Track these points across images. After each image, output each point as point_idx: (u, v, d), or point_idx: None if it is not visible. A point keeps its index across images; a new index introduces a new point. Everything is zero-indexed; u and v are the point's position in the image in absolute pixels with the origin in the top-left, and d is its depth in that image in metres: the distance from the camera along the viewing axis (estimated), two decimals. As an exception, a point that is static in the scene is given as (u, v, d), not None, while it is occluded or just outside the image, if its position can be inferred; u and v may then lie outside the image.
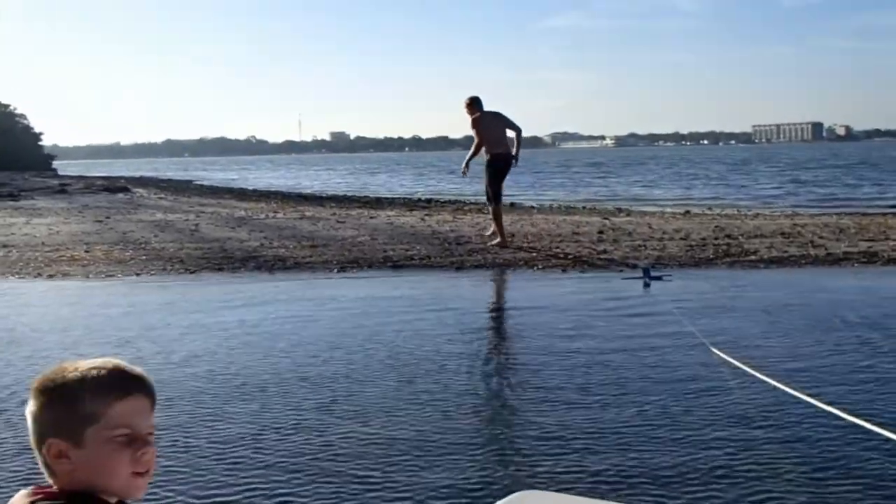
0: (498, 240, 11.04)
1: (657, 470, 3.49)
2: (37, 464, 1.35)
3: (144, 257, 10.42)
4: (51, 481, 1.35)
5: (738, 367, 4.91)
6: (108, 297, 8.12)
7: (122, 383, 1.35)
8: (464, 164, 11.74)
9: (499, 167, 11.19)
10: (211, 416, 4.31)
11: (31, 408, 1.36)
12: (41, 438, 1.34)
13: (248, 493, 3.32)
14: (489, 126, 11.30)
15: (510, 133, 11.38)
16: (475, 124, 11.30)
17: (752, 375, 4.73)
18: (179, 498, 3.27)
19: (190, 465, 3.60)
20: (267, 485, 3.40)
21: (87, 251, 10.91)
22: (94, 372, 1.34)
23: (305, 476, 3.49)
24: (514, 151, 11.30)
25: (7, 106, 55.14)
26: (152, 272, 9.58)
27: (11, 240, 12.04)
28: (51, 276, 9.43)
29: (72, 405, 1.32)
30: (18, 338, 6.31)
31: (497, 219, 11.16)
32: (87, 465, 1.31)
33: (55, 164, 56.55)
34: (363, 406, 4.48)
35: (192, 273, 9.54)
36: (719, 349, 5.35)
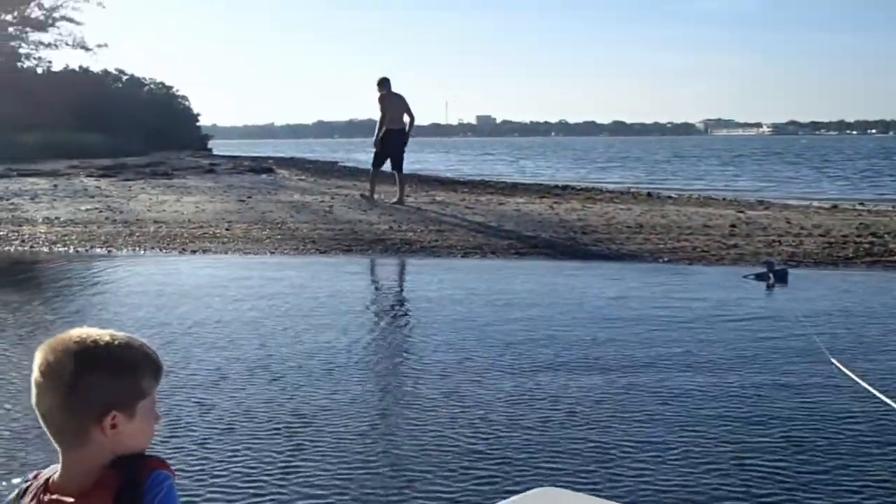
0: (396, 199, 13.88)
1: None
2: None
3: (280, 237, 10.92)
4: (67, 451, 1.38)
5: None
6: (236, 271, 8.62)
7: (160, 365, 1.46)
8: (375, 138, 13.91)
9: (391, 141, 13.60)
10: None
11: (82, 376, 1.35)
12: (101, 409, 1.36)
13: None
14: (392, 105, 13.57)
15: (406, 118, 13.68)
16: (381, 102, 13.58)
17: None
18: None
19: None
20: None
21: (227, 229, 11.54)
22: (147, 351, 1.44)
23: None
24: (408, 130, 13.75)
25: (170, 88, 58.59)
26: (285, 251, 10.06)
27: (162, 216, 12.86)
28: (193, 252, 10.08)
29: (134, 381, 1.41)
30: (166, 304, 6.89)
31: (402, 183, 14.00)
32: (131, 434, 1.40)
33: (211, 143, 59.32)
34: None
35: (322, 253, 9.94)
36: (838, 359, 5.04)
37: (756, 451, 3.75)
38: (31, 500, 1.39)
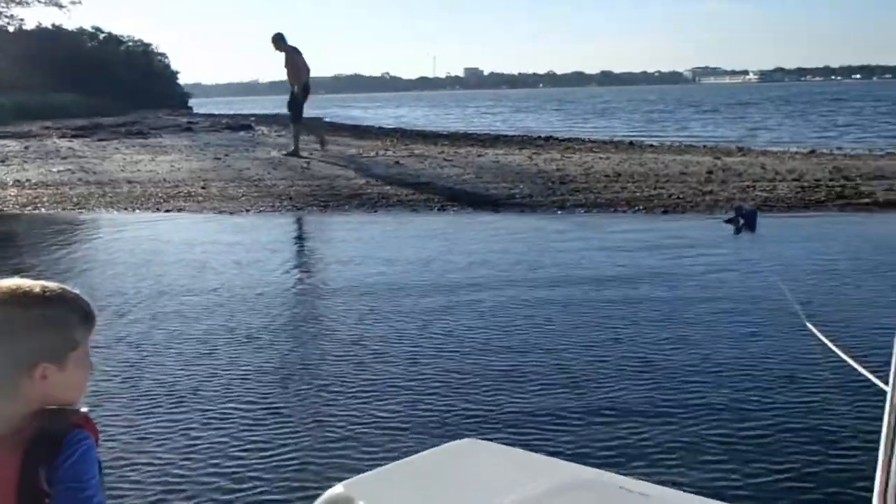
0: (292, 149, 14.15)
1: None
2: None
3: (256, 194, 10.83)
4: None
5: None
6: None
7: (92, 314, 1.45)
8: (295, 92, 14.06)
9: (307, 93, 14.07)
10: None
11: (12, 327, 1.34)
12: (31, 360, 1.35)
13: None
14: (300, 59, 13.93)
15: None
16: (293, 56, 13.86)
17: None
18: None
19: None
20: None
21: (203, 188, 11.44)
22: (80, 301, 1.43)
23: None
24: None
25: (148, 45, 57.35)
26: (261, 209, 9.98)
27: (136, 176, 12.73)
28: (167, 211, 10.00)
29: (66, 331, 1.39)
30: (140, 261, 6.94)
31: (297, 135, 14.40)
32: (62, 385, 1.38)
33: (192, 101, 58.11)
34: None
35: (298, 210, 9.88)
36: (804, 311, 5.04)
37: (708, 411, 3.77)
38: None
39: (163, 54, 59.02)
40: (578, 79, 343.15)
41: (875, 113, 32.84)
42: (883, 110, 34.41)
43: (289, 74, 14.04)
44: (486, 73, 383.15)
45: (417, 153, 14.74)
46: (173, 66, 60.79)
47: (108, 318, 5.03)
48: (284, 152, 14.36)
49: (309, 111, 15.56)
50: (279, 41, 13.91)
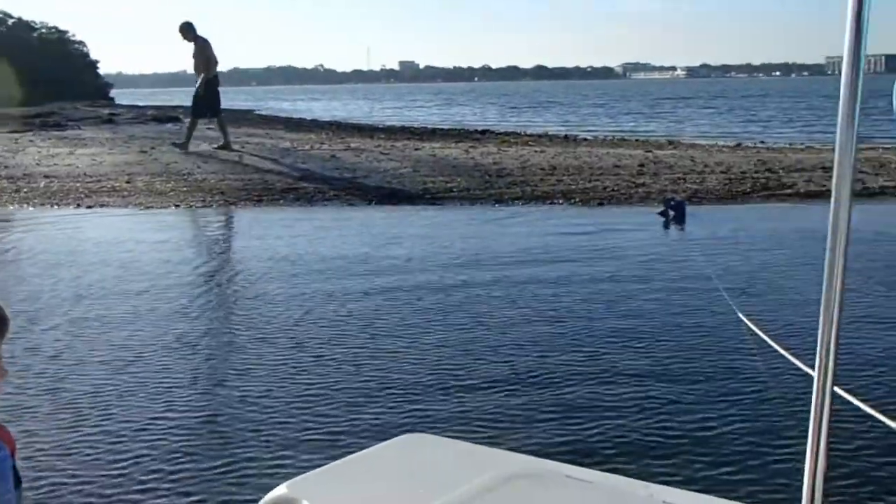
0: (222, 142, 13.65)
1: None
2: None
3: (185, 189, 10.50)
4: None
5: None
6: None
7: (5, 318, 1.39)
8: (199, 86, 13.33)
9: (214, 87, 13.41)
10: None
11: None
12: None
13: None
14: (211, 50, 13.30)
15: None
16: (205, 47, 13.23)
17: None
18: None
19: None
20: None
21: (128, 182, 11.03)
22: None
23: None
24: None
25: (64, 32, 54.52)
26: (191, 204, 9.67)
27: (54, 170, 12.12)
28: (89, 207, 9.60)
29: None
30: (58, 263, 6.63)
31: (223, 126, 13.87)
32: None
33: (115, 92, 55.68)
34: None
35: (230, 205, 9.61)
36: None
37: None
38: None
39: (80, 42, 56.52)
40: (513, 73, 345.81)
41: (795, 108, 34.30)
42: (802, 106, 35.87)
43: (196, 66, 13.37)
44: (421, 66, 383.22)
45: (354, 146, 14.54)
46: (92, 56, 58.28)
47: (22, 325, 4.75)
48: (215, 145, 13.92)
49: (239, 102, 14.92)
50: (188, 30, 13.25)
